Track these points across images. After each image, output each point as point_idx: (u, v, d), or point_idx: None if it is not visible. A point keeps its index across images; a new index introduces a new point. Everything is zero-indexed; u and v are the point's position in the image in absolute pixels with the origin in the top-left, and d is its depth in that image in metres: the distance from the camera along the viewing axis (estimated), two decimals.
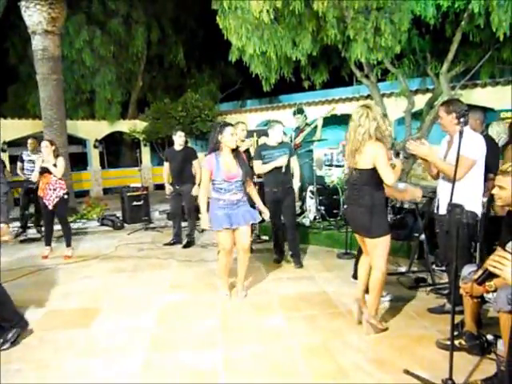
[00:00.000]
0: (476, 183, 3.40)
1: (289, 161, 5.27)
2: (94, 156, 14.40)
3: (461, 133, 2.67)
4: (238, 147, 4.25)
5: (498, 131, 5.32)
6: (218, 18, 6.40)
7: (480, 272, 2.69)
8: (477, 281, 2.39)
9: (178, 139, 6.39)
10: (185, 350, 3.24)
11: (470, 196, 3.36)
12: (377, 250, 3.34)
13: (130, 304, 4.25)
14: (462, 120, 2.73)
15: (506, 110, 8.07)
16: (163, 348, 3.30)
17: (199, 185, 6.32)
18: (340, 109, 10.64)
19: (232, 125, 4.17)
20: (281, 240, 5.54)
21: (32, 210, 7.95)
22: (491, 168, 3.58)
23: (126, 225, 8.30)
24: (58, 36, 9.14)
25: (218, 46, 9.19)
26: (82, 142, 14.55)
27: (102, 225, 8.36)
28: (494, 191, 2.65)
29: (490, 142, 3.82)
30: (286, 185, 5.29)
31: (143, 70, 15.43)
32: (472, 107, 4.71)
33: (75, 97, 14.17)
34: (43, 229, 7.58)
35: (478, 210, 3.43)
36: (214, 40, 8.74)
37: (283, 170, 5.20)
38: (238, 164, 4.12)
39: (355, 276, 4.13)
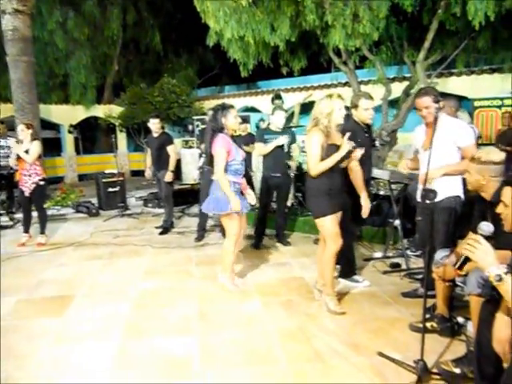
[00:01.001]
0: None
1: (290, 147, 5.45)
2: (68, 141, 14.06)
3: (436, 119, 2.71)
4: None
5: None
6: (195, 1, 6.28)
7: (453, 257, 2.77)
8: (456, 266, 2.41)
9: (152, 126, 6.42)
10: (160, 336, 3.23)
11: (454, 181, 3.36)
12: (321, 230, 3.60)
13: (105, 291, 4.19)
14: (437, 106, 2.76)
15: (480, 99, 8.21)
16: (138, 335, 3.27)
17: (172, 171, 6.28)
18: (318, 95, 10.64)
19: (233, 107, 4.07)
20: (264, 226, 5.61)
21: (3, 196, 7.75)
22: None
23: (101, 211, 8.18)
24: (29, 16, 8.80)
25: (195, 30, 9.05)
26: (55, 127, 14.18)
27: (77, 211, 8.20)
28: (465, 176, 2.72)
29: None
30: (286, 170, 5.50)
31: (119, 54, 15.04)
32: (447, 95, 4.81)
33: (48, 80, 13.74)
34: (16, 216, 7.45)
35: (461, 194, 3.41)
36: (192, 24, 8.60)
37: (285, 155, 5.36)
38: (238, 145, 4.13)
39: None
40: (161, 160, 6.39)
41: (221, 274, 4.18)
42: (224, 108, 3.96)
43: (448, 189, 3.32)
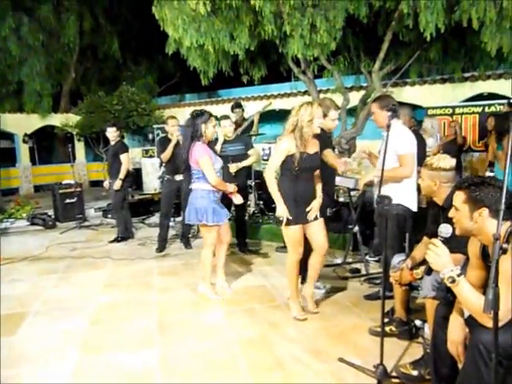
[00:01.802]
0: (409, 179, 3.45)
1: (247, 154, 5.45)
2: (23, 151, 13.56)
3: (388, 126, 2.78)
4: None
5: (432, 130, 5.80)
6: (153, 8, 6.23)
7: (409, 261, 2.83)
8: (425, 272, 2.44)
9: (109, 135, 6.43)
10: (119, 351, 3.13)
11: (403, 191, 3.42)
12: (284, 238, 3.63)
13: (61, 307, 4.03)
14: (390, 114, 2.84)
15: (433, 107, 8.54)
16: (96, 351, 3.16)
17: (122, 179, 6.17)
18: (278, 104, 10.77)
19: (212, 115, 4.03)
20: None
21: None
22: (419, 161, 3.74)
23: (58, 223, 7.90)
24: None
25: (155, 38, 8.95)
26: (9, 136, 13.63)
27: (33, 224, 7.89)
28: (419, 181, 2.81)
29: (418, 136, 4.01)
30: (244, 179, 5.52)
31: (76, 61, 14.68)
32: (402, 104, 4.97)
33: (1, 88, 13.23)
34: None
35: (412, 205, 3.47)
36: (151, 31, 8.50)
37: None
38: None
39: None
40: (114, 168, 6.35)
41: (200, 283, 4.17)
42: (204, 115, 3.93)
43: (401, 197, 3.41)
